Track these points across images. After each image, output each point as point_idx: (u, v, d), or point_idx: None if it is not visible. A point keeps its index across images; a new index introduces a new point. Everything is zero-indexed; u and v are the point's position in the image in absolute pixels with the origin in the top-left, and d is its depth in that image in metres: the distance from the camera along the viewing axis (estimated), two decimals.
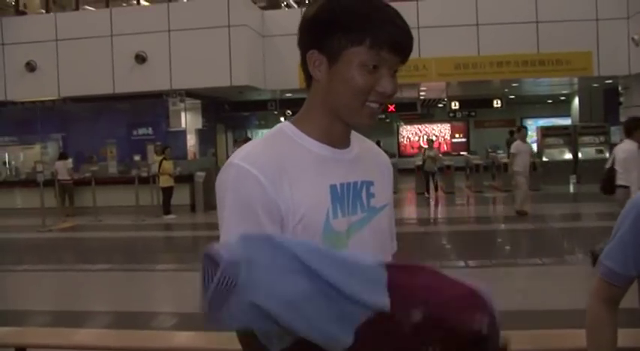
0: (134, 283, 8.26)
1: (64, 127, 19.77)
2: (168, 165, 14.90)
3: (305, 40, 1.43)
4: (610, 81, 19.31)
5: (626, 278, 1.68)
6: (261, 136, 1.55)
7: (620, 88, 18.99)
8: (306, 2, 20.66)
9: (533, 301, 6.37)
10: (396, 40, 1.36)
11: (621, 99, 18.96)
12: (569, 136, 20.01)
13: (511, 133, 25.27)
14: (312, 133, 1.42)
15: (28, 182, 16.37)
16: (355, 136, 1.52)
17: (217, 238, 1.27)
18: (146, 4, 21.21)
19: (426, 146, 18.40)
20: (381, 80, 1.37)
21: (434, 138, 23.55)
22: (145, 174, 15.60)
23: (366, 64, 1.35)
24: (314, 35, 1.40)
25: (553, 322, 5.36)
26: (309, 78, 1.45)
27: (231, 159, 1.35)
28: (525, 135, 13.28)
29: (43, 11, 20.36)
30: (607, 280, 1.71)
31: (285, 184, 1.31)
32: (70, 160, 16.42)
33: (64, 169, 15.77)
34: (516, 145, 12.91)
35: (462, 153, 25.93)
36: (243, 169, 1.31)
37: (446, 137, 29.01)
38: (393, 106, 22.24)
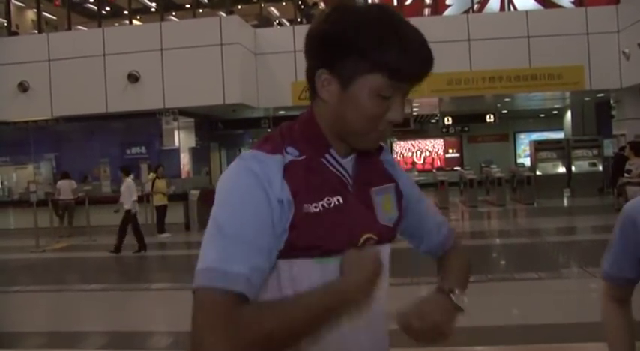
0: (129, 303, 8.20)
1: (57, 147, 19.74)
2: (161, 184, 14.85)
3: (313, 56, 1.34)
4: (602, 94, 19.43)
5: (623, 280, 1.80)
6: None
7: (611, 102, 19.11)
8: (299, 20, 20.75)
9: (529, 315, 6.35)
10: (418, 72, 1.30)
11: (613, 112, 19.06)
12: (563, 150, 20.09)
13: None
14: None
15: (22, 203, 16.29)
16: None
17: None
18: (138, 23, 21.29)
19: None
20: (393, 109, 1.32)
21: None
22: (138, 193, 15.54)
23: (381, 93, 1.28)
24: (325, 54, 1.30)
25: (549, 336, 5.34)
26: (313, 91, 1.36)
27: None
28: None
29: (36, 32, 20.41)
30: (608, 282, 1.85)
31: None
32: (73, 181, 16.29)
33: (68, 188, 15.66)
34: None
35: (455, 168, 25.97)
36: None
37: (439, 153, 29.07)
38: None
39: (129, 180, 12.68)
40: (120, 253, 12.20)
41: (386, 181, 1.48)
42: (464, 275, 1.56)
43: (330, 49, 1.28)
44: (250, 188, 1.24)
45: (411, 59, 1.27)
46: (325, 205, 1.30)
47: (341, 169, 1.37)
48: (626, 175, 12.07)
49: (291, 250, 1.26)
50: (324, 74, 1.30)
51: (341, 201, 1.32)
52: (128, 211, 12.43)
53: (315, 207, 1.28)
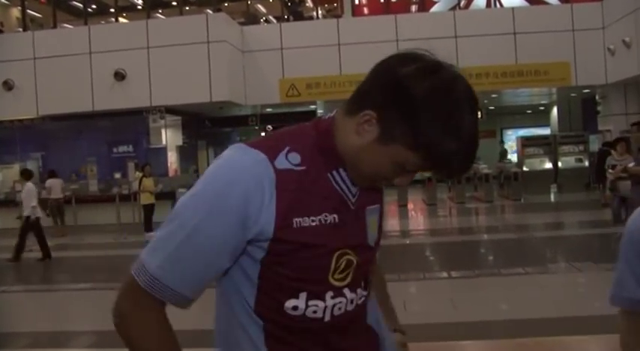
0: None
1: (44, 146, 19.64)
2: (148, 182, 14.76)
3: (375, 88, 1.28)
4: (588, 90, 19.56)
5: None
6: None
7: (597, 98, 19.23)
8: (285, 18, 20.73)
9: (516, 309, 6.38)
10: (451, 175, 1.33)
11: (599, 108, 19.18)
12: (549, 146, 20.17)
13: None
14: None
15: (7, 202, 16.19)
16: None
17: None
18: (125, 21, 21.19)
19: None
20: (404, 177, 1.33)
21: None
22: (125, 192, 15.50)
23: (406, 167, 1.28)
24: (384, 101, 1.25)
25: (537, 330, 5.37)
26: (352, 107, 1.30)
27: None
28: None
29: (21, 29, 20.27)
30: (626, 309, 1.64)
31: None
32: (61, 179, 16.11)
33: (58, 187, 15.39)
34: None
35: None
36: None
37: None
38: None
39: (29, 184, 11.82)
40: (19, 261, 11.57)
41: (377, 201, 1.48)
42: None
43: (392, 105, 1.23)
44: (222, 191, 1.24)
45: (455, 165, 1.28)
46: (322, 220, 1.29)
47: (345, 188, 1.35)
48: (610, 170, 12.10)
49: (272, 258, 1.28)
50: (371, 116, 1.25)
51: (337, 219, 1.32)
52: (27, 218, 11.57)
53: (313, 221, 1.28)
